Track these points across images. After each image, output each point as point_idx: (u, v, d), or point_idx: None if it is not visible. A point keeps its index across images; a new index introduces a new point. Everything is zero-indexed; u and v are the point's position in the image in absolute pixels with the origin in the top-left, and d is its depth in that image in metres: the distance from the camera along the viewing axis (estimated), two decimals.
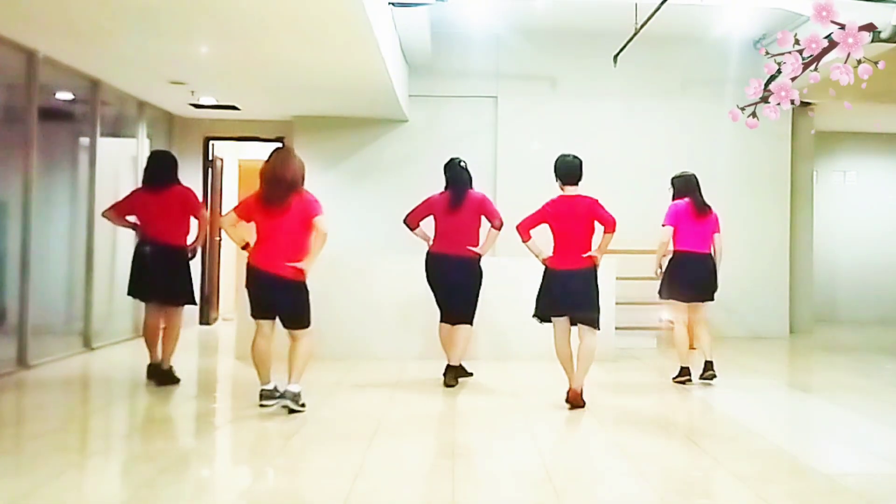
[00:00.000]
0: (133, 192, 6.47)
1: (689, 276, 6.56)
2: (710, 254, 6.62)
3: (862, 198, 12.73)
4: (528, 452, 4.62)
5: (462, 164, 6.56)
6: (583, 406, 5.56)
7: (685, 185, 6.64)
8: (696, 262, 6.55)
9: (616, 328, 7.82)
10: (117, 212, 6.32)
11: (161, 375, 6.18)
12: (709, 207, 6.60)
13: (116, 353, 7.90)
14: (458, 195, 6.40)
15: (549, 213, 5.72)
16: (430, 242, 6.50)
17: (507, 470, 4.29)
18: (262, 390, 5.29)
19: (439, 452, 4.58)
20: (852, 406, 6.16)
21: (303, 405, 5.26)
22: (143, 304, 6.47)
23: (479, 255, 6.37)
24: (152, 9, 5.78)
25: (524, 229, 5.71)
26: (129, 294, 6.41)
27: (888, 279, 12.58)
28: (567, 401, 5.62)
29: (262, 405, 5.26)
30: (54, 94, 7.87)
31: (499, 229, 6.38)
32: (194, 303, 6.45)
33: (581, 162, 5.78)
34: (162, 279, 6.17)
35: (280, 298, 5.29)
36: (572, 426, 5.31)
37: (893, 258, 12.64)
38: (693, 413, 5.96)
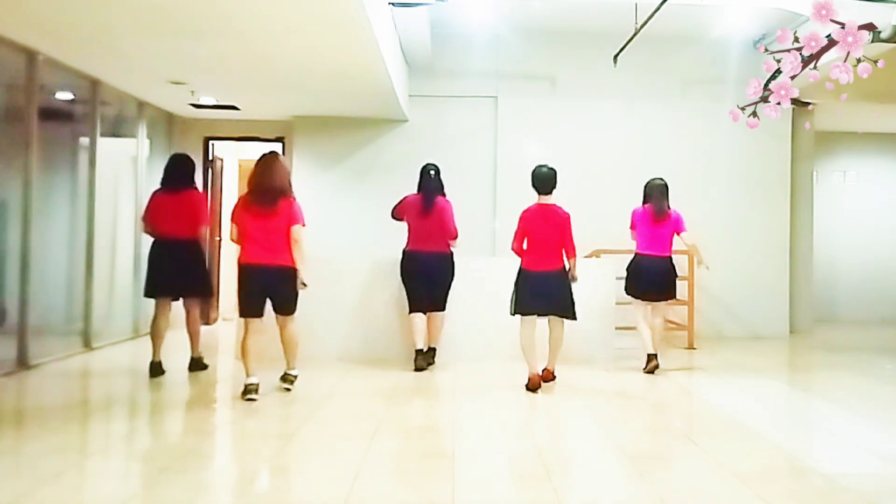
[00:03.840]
0: (152, 196, 6.75)
1: (646, 277, 7.02)
2: (668, 256, 7.05)
3: (862, 198, 12.73)
4: (528, 452, 4.63)
5: (432, 171, 7.12)
6: (553, 379, 6.32)
7: (649, 190, 7.15)
8: (652, 264, 7.00)
9: (616, 328, 7.82)
10: (149, 223, 6.67)
11: (192, 364, 6.75)
12: (667, 211, 7.02)
13: (116, 353, 7.90)
14: (428, 201, 7.02)
15: (528, 221, 6.26)
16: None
17: (507, 470, 4.30)
18: (249, 384, 5.65)
19: (439, 452, 4.58)
20: (852, 406, 6.16)
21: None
22: (152, 304, 6.71)
23: (452, 251, 7.07)
24: (152, 9, 5.78)
25: (517, 250, 6.30)
26: (146, 295, 6.73)
27: (888, 279, 12.58)
28: (540, 380, 6.17)
29: (248, 399, 5.59)
30: (54, 94, 7.87)
31: (454, 240, 7.07)
32: (210, 294, 6.88)
33: (555, 173, 6.32)
34: (177, 273, 6.53)
35: (274, 286, 5.77)
36: (572, 426, 5.31)
37: (893, 258, 12.64)
38: (693, 413, 5.96)
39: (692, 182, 9.68)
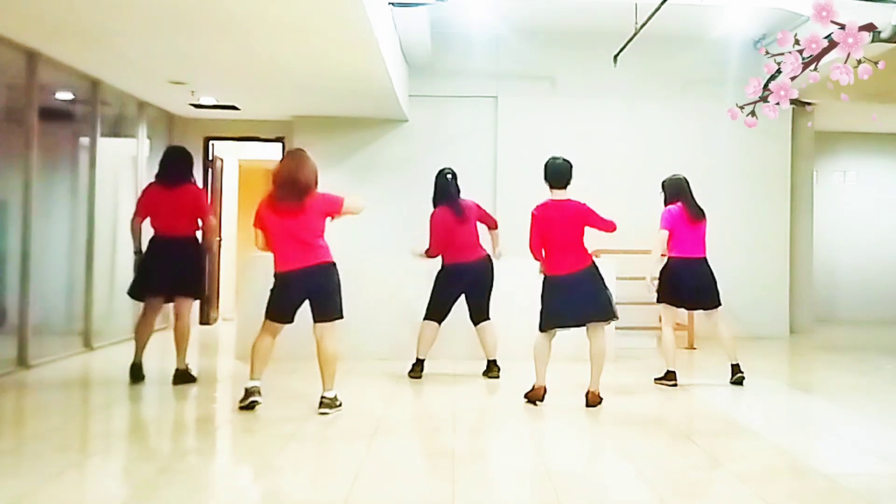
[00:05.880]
0: (146, 189, 6.46)
1: (688, 282, 6.50)
2: (706, 258, 6.58)
3: (862, 198, 12.73)
4: (528, 452, 4.63)
5: (449, 175, 6.75)
6: (600, 402, 5.63)
7: (676, 189, 6.60)
8: (693, 268, 6.50)
9: (616, 328, 7.80)
10: (141, 216, 6.33)
11: (178, 376, 6.23)
12: (703, 212, 6.57)
13: (116, 353, 7.89)
14: (458, 207, 6.67)
15: (542, 220, 5.66)
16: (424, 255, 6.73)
17: (507, 470, 4.30)
18: (250, 388, 5.28)
19: (439, 452, 4.58)
20: (852, 406, 6.16)
21: (339, 404, 5.38)
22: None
23: (489, 253, 6.78)
24: (152, 9, 5.78)
25: (536, 251, 5.69)
26: (129, 293, 6.41)
27: (888, 279, 12.58)
28: (544, 394, 5.66)
29: (250, 402, 5.24)
30: (54, 94, 7.87)
31: (497, 228, 6.86)
32: (202, 296, 6.44)
33: (571, 165, 5.74)
34: (171, 270, 6.18)
35: (317, 286, 5.26)
36: (572, 426, 5.30)
37: (893, 258, 12.64)
38: (693, 413, 5.96)
39: (692, 182, 9.65)
